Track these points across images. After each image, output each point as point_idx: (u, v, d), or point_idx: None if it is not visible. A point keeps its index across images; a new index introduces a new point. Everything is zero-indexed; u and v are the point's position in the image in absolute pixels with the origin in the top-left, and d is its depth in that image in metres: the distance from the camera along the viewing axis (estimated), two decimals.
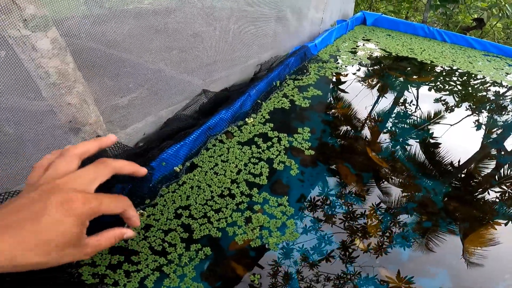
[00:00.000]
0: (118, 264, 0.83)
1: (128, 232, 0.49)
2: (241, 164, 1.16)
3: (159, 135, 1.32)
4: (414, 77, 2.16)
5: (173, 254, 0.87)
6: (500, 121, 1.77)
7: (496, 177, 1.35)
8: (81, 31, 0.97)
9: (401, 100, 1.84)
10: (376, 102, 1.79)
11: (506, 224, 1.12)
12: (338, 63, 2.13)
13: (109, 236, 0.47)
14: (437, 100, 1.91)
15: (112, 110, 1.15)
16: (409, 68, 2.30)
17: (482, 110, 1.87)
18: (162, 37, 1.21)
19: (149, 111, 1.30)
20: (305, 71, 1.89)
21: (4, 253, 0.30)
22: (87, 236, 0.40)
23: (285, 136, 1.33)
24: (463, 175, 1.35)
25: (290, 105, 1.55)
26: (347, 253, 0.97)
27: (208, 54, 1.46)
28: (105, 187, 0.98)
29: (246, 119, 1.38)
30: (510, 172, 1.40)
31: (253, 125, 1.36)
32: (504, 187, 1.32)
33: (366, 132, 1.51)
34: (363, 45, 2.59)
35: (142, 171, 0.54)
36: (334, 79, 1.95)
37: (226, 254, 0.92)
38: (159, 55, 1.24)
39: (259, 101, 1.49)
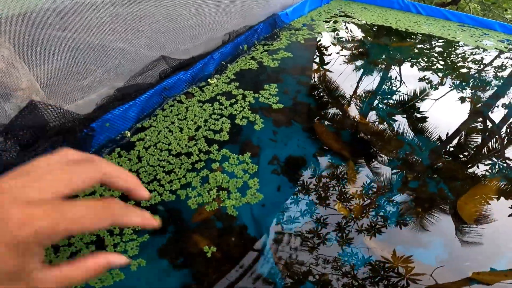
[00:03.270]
0: None
1: (117, 260, 0.29)
2: (200, 121, 1.06)
3: (112, 101, 1.19)
4: (392, 42, 2.11)
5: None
6: (477, 82, 1.74)
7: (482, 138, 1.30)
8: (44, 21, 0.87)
9: (380, 61, 1.77)
10: (351, 66, 1.72)
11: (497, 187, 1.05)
12: (311, 30, 2.05)
13: (88, 267, 0.27)
14: (412, 65, 1.86)
15: (60, 81, 1.03)
16: (385, 36, 2.24)
17: (459, 72, 1.83)
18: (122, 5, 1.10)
19: (104, 83, 1.18)
20: (276, 37, 1.80)
21: None
22: (48, 265, 0.24)
23: (250, 93, 1.24)
24: (448, 138, 1.29)
25: (258, 66, 1.46)
26: (324, 218, 0.85)
27: (172, 24, 1.34)
28: (29, 151, 0.85)
29: (209, 80, 1.27)
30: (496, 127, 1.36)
31: (217, 85, 1.25)
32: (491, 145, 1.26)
33: (343, 91, 1.43)
34: (338, 16, 2.52)
35: (145, 195, 0.30)
36: (306, 44, 1.86)
37: (184, 225, 0.80)
38: (122, 36, 1.13)
39: (223, 62, 1.38)
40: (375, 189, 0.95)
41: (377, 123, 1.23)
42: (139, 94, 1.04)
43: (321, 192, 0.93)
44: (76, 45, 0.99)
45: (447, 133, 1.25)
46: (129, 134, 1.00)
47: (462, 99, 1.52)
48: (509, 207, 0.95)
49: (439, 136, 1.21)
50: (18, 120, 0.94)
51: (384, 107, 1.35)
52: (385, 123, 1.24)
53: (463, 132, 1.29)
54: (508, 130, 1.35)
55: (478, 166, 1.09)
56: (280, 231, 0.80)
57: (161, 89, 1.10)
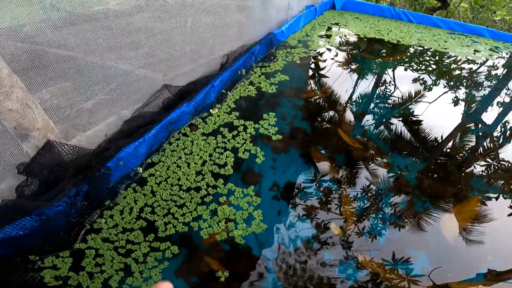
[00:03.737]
0: (81, 266, 0.80)
1: None
2: (206, 156, 1.13)
3: (120, 134, 1.26)
4: (383, 57, 2.19)
5: (138, 252, 0.85)
6: (464, 93, 1.83)
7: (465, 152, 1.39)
8: (38, 36, 0.90)
9: (371, 81, 1.86)
10: (346, 83, 1.80)
11: (483, 200, 1.15)
12: (306, 47, 2.12)
13: None
14: (404, 78, 1.94)
15: (70, 114, 1.09)
16: (378, 49, 2.32)
17: (448, 83, 1.92)
18: (124, 37, 1.15)
19: (112, 111, 1.24)
20: (272, 58, 1.86)
21: None
22: None
23: (251, 124, 1.31)
24: (437, 151, 1.39)
25: (256, 92, 1.53)
26: (323, 240, 0.95)
27: (172, 50, 1.39)
28: (56, 191, 0.93)
29: (211, 110, 1.34)
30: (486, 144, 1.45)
31: (218, 116, 1.32)
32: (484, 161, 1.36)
33: (337, 113, 1.51)
34: (332, 29, 2.59)
35: None
36: (302, 64, 1.93)
37: (193, 250, 0.89)
38: (121, 54, 1.18)
39: (223, 91, 1.45)
40: (366, 210, 1.04)
41: (369, 146, 1.32)
42: (147, 130, 1.11)
43: (317, 214, 1.02)
44: (77, 64, 1.01)
45: (435, 152, 1.34)
46: (141, 170, 1.07)
47: (454, 109, 1.61)
48: (508, 208, 1.05)
49: (427, 154, 1.31)
50: (37, 159, 1.01)
51: (377, 129, 1.43)
52: (377, 146, 1.33)
53: (452, 144, 1.39)
54: (497, 139, 1.45)
55: (465, 183, 1.19)
56: (282, 250, 0.90)
57: (167, 124, 1.17)
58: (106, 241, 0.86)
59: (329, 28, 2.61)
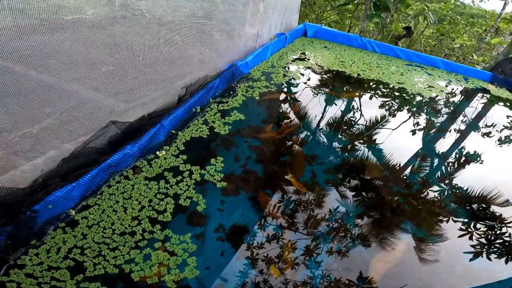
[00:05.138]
0: None
1: None
2: (145, 201, 1.15)
3: (57, 173, 1.24)
4: (343, 93, 2.31)
5: None
6: (411, 131, 1.98)
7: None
8: None
9: (329, 119, 1.95)
10: (303, 121, 1.89)
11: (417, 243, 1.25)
12: (269, 80, 2.19)
13: None
14: (361, 116, 2.07)
15: (5, 147, 1.06)
16: (339, 84, 2.45)
17: (398, 120, 2.07)
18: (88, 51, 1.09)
19: (52, 144, 1.21)
20: (232, 92, 1.91)
21: None
22: None
23: (197, 169, 1.33)
24: (375, 197, 1.48)
25: (209, 133, 1.56)
26: (263, 282, 0.99)
27: (126, 78, 1.39)
28: None
29: (158, 152, 1.36)
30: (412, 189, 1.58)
31: (165, 158, 1.35)
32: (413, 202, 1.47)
33: (290, 156, 1.56)
34: (298, 59, 2.69)
35: None
36: (261, 100, 1.98)
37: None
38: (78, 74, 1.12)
39: (173, 131, 1.48)
40: (306, 252, 1.11)
41: (316, 190, 1.39)
42: (83, 173, 1.11)
43: (259, 256, 1.08)
44: (27, 82, 0.97)
45: (374, 197, 1.44)
46: (73, 213, 1.06)
47: (404, 148, 1.74)
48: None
49: (366, 198, 1.40)
50: None
51: (326, 174, 1.50)
52: (323, 191, 1.40)
53: (392, 187, 1.50)
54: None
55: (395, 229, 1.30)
56: None
57: (106, 167, 1.17)
58: (29, 276, 0.88)
59: (296, 59, 2.72)
